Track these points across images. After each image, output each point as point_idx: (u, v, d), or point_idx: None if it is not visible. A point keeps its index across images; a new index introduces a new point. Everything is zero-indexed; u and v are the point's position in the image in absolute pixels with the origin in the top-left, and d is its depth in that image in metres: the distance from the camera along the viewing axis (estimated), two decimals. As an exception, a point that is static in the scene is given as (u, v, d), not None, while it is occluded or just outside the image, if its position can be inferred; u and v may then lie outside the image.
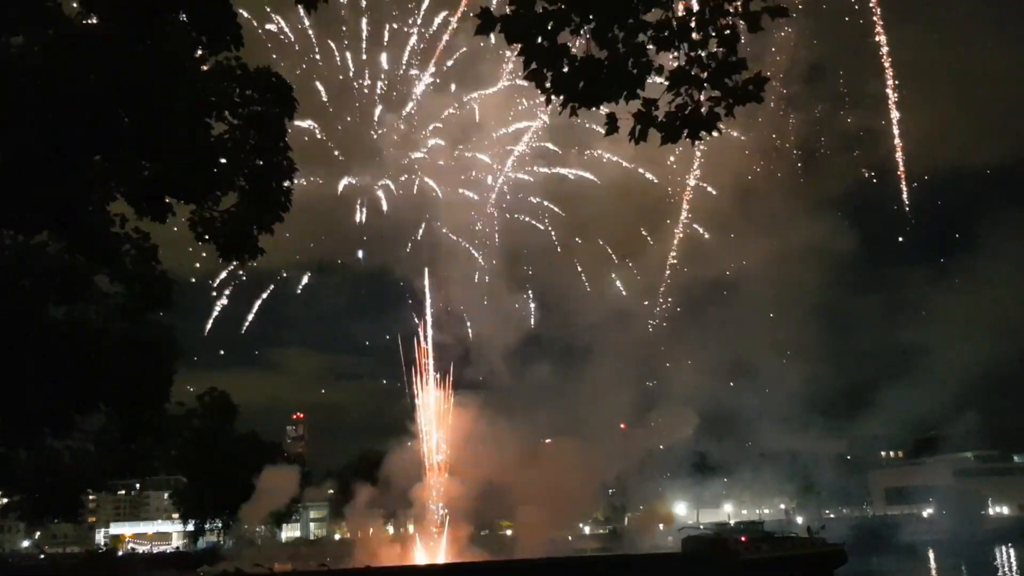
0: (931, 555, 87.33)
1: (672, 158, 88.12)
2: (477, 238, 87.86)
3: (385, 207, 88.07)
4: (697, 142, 9.44)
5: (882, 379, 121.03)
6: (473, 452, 78.84)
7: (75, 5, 12.81)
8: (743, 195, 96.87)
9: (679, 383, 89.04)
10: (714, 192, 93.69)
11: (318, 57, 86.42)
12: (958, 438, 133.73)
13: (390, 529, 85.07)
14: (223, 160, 13.95)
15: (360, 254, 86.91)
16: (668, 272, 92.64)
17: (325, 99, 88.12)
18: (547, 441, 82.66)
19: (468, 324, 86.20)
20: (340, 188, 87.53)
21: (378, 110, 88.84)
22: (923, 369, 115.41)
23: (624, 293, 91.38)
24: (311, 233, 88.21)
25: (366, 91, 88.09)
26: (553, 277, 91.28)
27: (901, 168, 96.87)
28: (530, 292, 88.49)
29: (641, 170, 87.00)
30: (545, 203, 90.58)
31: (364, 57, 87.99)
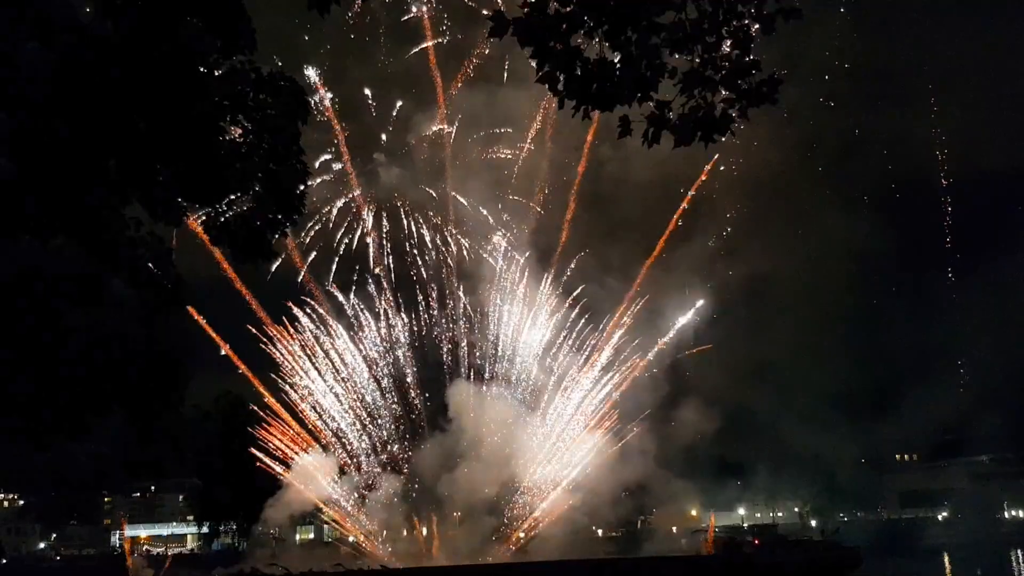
0: (946, 559, 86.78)
1: (717, 154, 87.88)
2: (506, 231, 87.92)
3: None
4: (721, 141, 9.37)
5: (902, 382, 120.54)
6: (500, 448, 79.28)
7: (88, 10, 12.90)
8: (779, 193, 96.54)
9: (704, 383, 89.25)
10: (743, 192, 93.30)
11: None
12: (976, 441, 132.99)
13: (404, 532, 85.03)
14: (237, 164, 14.02)
15: (372, 264, 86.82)
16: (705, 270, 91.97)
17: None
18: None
19: (497, 322, 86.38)
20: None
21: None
22: (943, 372, 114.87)
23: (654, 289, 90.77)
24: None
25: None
26: (581, 275, 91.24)
27: (939, 168, 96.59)
28: (559, 289, 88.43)
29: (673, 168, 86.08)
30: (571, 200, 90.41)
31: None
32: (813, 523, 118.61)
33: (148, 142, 12.87)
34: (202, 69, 13.11)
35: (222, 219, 14.49)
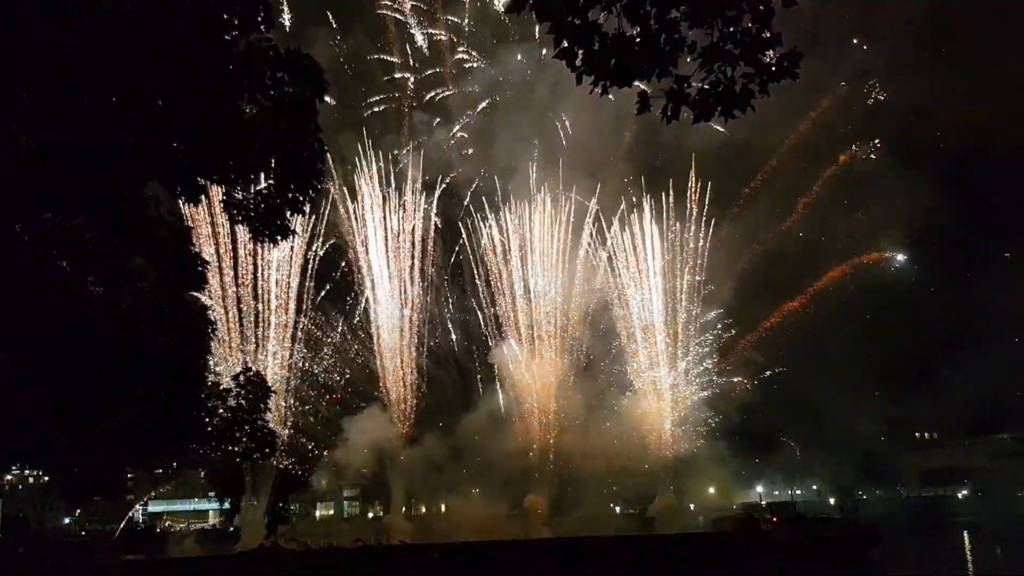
0: (966, 536, 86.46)
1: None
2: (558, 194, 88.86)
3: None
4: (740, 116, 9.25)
5: (930, 360, 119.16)
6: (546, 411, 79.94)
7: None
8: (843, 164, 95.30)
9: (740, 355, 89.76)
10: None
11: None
12: (997, 420, 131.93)
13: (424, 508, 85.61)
14: (255, 142, 14.02)
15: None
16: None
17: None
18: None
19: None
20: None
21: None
22: (972, 351, 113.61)
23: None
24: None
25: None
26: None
27: (1000, 141, 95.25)
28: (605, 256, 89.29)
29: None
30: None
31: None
32: (831, 501, 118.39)
33: (166, 119, 12.89)
34: (219, 47, 13.10)
35: (240, 197, 14.53)
